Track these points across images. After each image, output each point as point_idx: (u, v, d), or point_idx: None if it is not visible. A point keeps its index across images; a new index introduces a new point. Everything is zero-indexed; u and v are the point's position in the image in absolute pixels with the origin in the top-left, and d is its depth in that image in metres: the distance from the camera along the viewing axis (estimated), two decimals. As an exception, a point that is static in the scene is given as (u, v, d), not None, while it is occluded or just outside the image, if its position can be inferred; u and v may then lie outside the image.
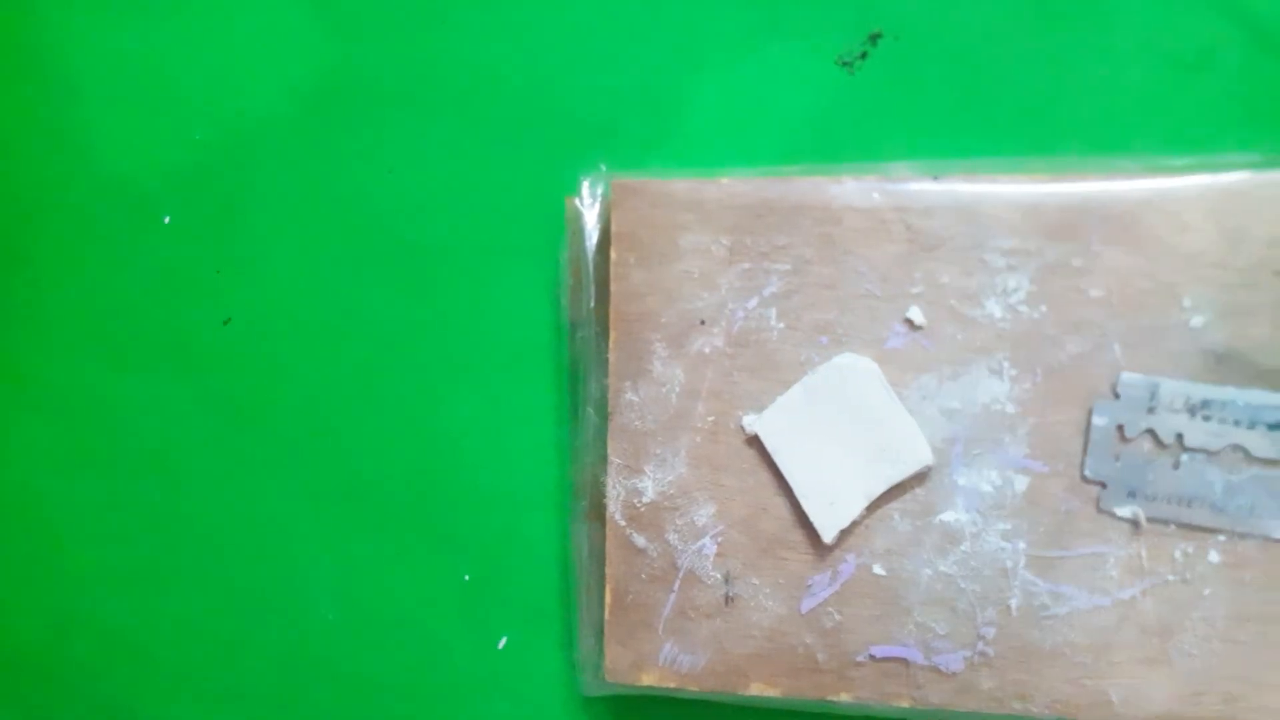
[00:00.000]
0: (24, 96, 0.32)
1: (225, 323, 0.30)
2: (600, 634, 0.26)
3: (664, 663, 0.25)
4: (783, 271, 0.24)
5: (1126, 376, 0.23)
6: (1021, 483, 0.23)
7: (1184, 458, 0.23)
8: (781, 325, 0.24)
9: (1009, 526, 0.23)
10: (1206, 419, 0.22)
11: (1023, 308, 0.23)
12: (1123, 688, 0.23)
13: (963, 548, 0.23)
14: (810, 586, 0.24)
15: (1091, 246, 0.23)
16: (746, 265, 0.25)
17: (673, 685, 0.25)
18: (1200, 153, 0.23)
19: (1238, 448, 0.22)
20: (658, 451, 0.25)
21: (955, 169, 0.24)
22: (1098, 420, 0.23)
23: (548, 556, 0.28)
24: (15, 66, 0.32)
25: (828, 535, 0.24)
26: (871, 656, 0.24)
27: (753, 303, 0.25)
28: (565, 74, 0.28)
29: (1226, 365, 0.22)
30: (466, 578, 0.29)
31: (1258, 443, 0.22)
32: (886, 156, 0.26)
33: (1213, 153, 0.23)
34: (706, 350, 0.25)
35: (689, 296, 0.25)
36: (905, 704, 0.24)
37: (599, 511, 0.26)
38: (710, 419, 0.25)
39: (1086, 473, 0.23)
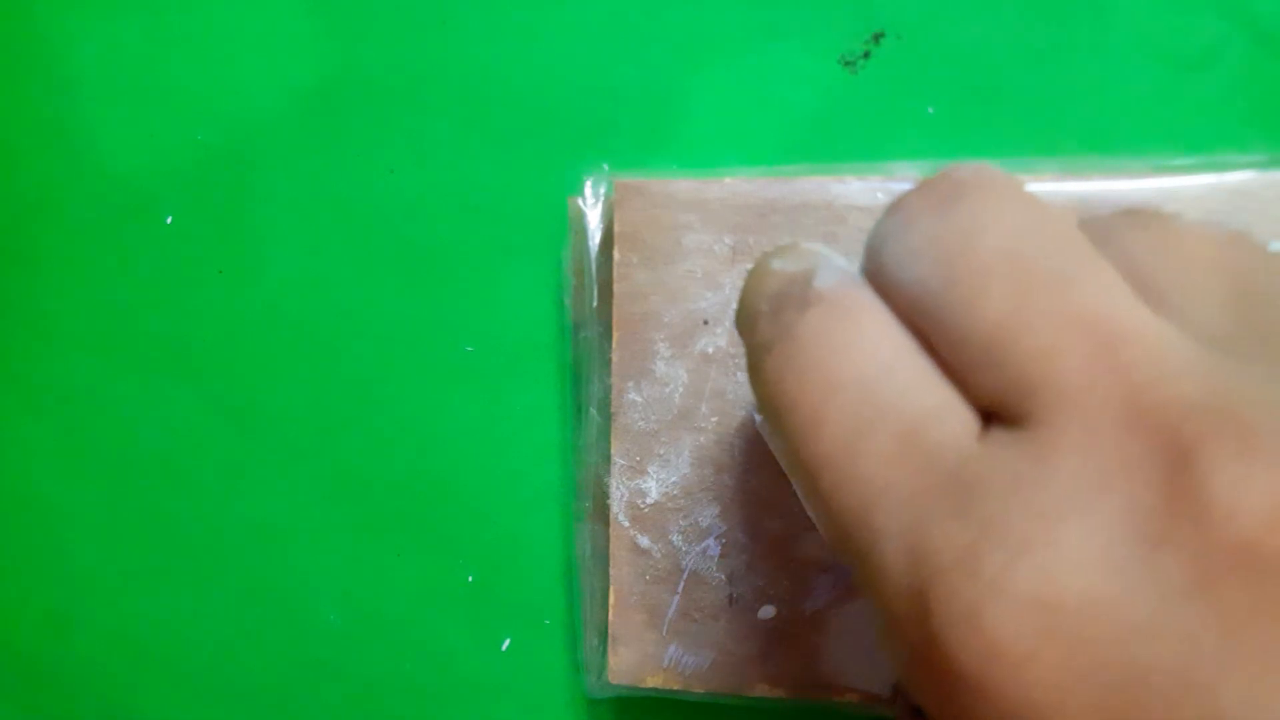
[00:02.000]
0: (24, 96, 0.32)
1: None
2: (604, 635, 0.26)
3: (668, 664, 0.25)
4: (786, 271, 0.24)
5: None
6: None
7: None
8: (785, 325, 0.24)
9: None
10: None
11: (1027, 308, 0.23)
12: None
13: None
14: (814, 587, 0.24)
15: (1096, 246, 0.23)
16: (750, 265, 0.24)
17: (677, 687, 0.25)
18: (1204, 153, 0.23)
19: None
20: (661, 452, 0.25)
21: (959, 169, 0.24)
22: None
23: (551, 558, 0.28)
24: (15, 66, 0.32)
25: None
26: (876, 657, 0.24)
27: (756, 303, 0.25)
28: (567, 73, 0.28)
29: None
30: (470, 579, 0.29)
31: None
32: (890, 156, 0.26)
33: (1216, 152, 0.23)
34: (710, 350, 0.25)
35: (692, 296, 0.25)
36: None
37: (602, 512, 0.26)
38: (714, 419, 0.25)
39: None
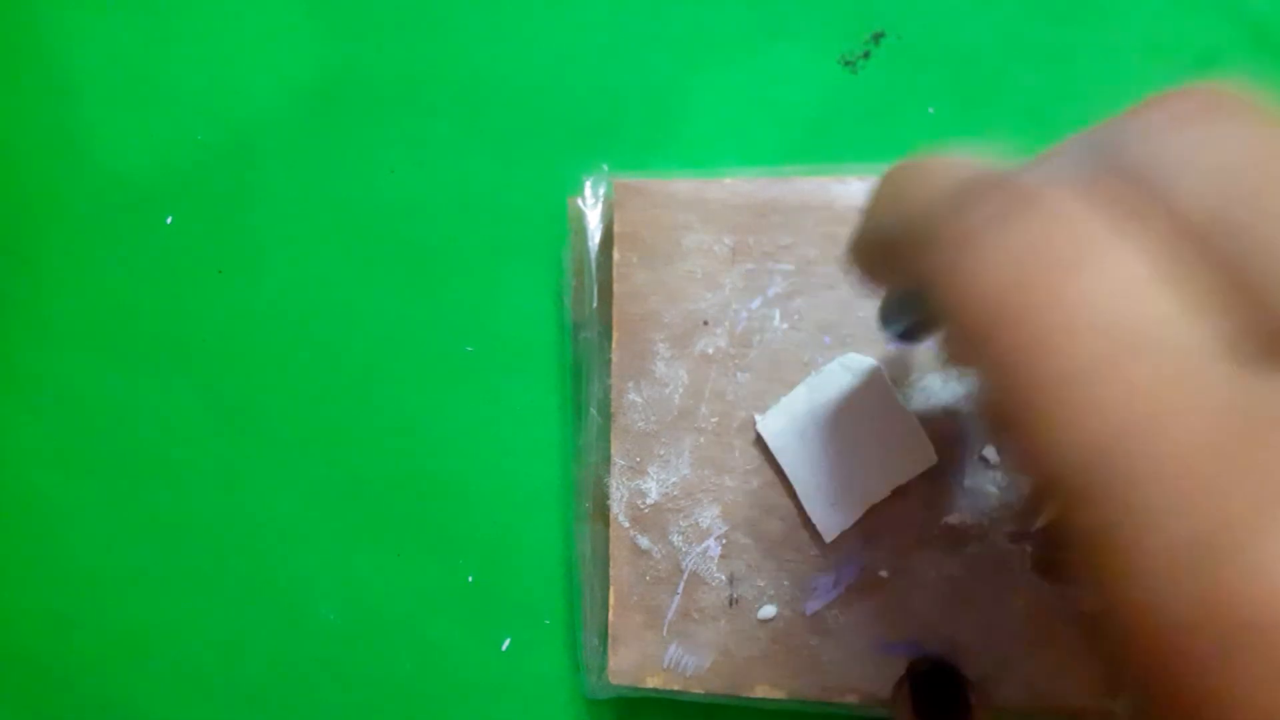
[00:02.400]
0: (24, 96, 0.32)
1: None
2: (604, 636, 0.26)
3: (668, 665, 0.25)
4: (786, 271, 0.24)
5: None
6: (1027, 484, 0.23)
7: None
8: (785, 325, 0.24)
9: (1015, 528, 0.23)
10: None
11: (1027, 308, 0.23)
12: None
13: (968, 549, 0.23)
14: (814, 588, 0.24)
15: (1096, 247, 0.23)
16: (750, 265, 0.24)
17: (677, 687, 0.25)
18: (1204, 152, 0.23)
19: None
20: (661, 452, 0.25)
21: (959, 169, 0.24)
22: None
23: (551, 558, 0.28)
24: (15, 66, 0.32)
25: (829, 536, 0.24)
26: (876, 658, 0.24)
27: (756, 303, 0.24)
28: (567, 74, 0.28)
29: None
30: (470, 579, 0.29)
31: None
32: (890, 156, 0.26)
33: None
34: (710, 351, 0.25)
35: (692, 297, 0.25)
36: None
37: (602, 513, 0.26)
38: (714, 420, 0.25)
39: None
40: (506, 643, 0.29)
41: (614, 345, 0.25)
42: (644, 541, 0.25)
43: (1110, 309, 0.12)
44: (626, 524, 0.25)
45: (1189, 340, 0.12)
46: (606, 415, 0.25)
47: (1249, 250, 0.12)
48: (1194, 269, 0.12)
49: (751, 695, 0.24)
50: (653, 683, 0.25)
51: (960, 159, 0.14)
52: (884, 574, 0.24)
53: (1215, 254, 0.12)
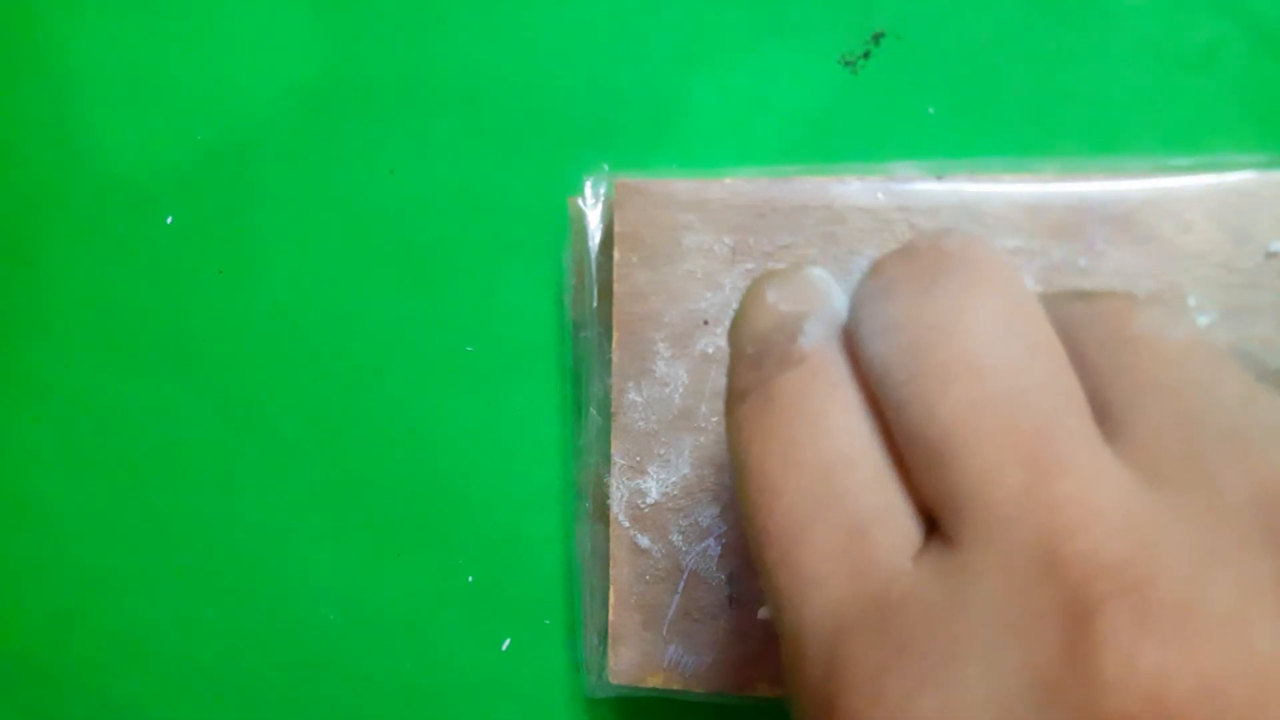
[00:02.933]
0: (24, 96, 0.32)
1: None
2: (604, 635, 0.26)
3: (668, 664, 0.25)
4: (786, 271, 0.24)
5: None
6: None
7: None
8: (785, 325, 0.24)
9: None
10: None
11: (1027, 308, 0.23)
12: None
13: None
14: (814, 587, 0.24)
15: (1095, 246, 0.23)
16: (750, 265, 0.24)
17: (677, 687, 0.25)
18: (1204, 152, 0.23)
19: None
20: (661, 452, 0.25)
21: (959, 168, 0.24)
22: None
23: (551, 558, 0.28)
24: (15, 66, 0.32)
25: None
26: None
27: (756, 303, 0.24)
28: (567, 73, 0.28)
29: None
30: (470, 579, 0.29)
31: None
32: (890, 156, 0.26)
33: (1216, 152, 0.23)
34: (710, 350, 0.25)
35: (692, 297, 0.25)
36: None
37: (602, 512, 0.26)
38: (714, 419, 0.25)
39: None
40: (506, 643, 0.29)
41: (614, 345, 0.25)
42: (644, 541, 0.25)
43: (822, 471, 0.14)
44: (626, 524, 0.25)
45: (867, 509, 0.13)
46: (606, 415, 0.26)
47: (899, 422, 0.13)
48: (884, 437, 0.14)
49: (752, 694, 0.24)
50: (653, 682, 0.25)
51: (773, 304, 0.15)
52: (884, 573, 0.24)
53: (886, 417, 0.14)
